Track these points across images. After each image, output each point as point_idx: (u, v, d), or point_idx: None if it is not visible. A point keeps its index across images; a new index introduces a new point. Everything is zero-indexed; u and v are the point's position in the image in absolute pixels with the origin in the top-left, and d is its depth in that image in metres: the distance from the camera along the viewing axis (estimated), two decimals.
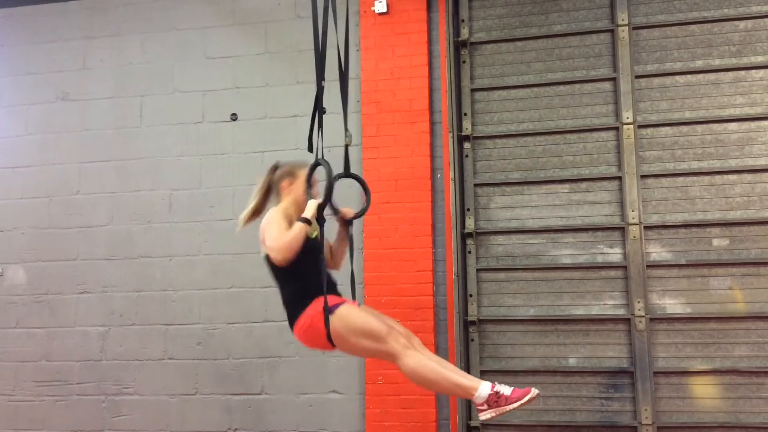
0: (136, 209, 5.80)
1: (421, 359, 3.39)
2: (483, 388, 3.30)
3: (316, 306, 3.49)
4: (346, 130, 3.70)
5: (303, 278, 3.55)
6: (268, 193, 3.79)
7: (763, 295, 4.92)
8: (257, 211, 3.77)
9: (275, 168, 3.82)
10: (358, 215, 3.82)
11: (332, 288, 3.67)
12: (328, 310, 3.42)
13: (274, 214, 3.61)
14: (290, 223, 3.55)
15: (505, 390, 3.30)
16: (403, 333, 3.52)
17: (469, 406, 5.16)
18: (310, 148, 3.65)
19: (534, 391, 3.30)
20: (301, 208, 3.68)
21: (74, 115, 5.99)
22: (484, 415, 3.31)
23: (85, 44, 6.06)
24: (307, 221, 3.50)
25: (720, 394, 4.90)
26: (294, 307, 3.58)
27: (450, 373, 3.39)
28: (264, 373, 5.47)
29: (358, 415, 5.26)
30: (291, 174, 3.76)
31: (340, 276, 3.82)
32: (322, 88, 3.59)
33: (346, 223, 3.80)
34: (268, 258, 3.61)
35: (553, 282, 5.21)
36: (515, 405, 3.28)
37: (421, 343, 3.62)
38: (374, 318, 3.51)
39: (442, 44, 5.40)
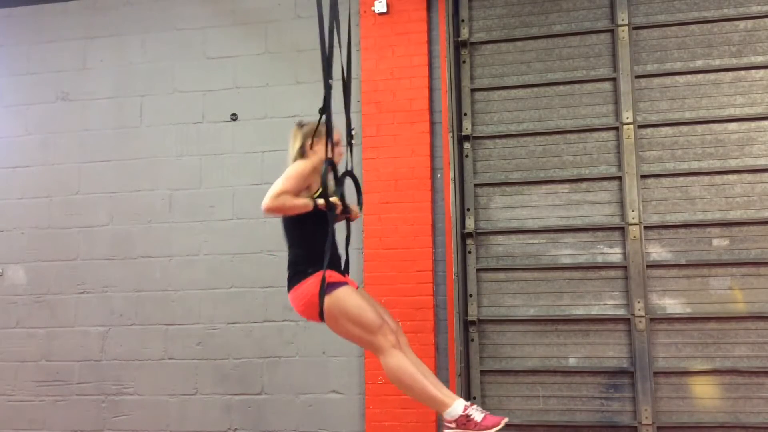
0: (136, 209, 5.80)
1: (404, 363, 3.40)
2: (456, 407, 3.33)
3: (317, 279, 3.44)
4: (352, 128, 3.73)
5: (312, 245, 3.49)
6: (303, 150, 3.73)
7: (763, 295, 4.92)
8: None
9: (301, 125, 3.79)
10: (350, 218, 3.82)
11: (338, 262, 3.64)
12: (324, 289, 3.40)
13: (301, 166, 3.56)
14: (307, 186, 3.54)
15: (477, 415, 3.31)
16: (393, 329, 3.51)
17: None
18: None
19: (504, 421, 3.32)
20: (318, 169, 3.67)
21: (74, 115, 5.99)
22: None
23: (85, 44, 6.06)
24: (314, 203, 3.47)
25: (720, 394, 4.90)
26: (295, 272, 3.54)
27: (428, 384, 3.40)
28: (264, 373, 5.47)
29: (358, 415, 5.26)
30: (317, 134, 3.71)
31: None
32: (330, 87, 3.54)
33: (348, 221, 3.79)
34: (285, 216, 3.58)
35: (553, 282, 5.20)
36: None
37: (408, 343, 3.62)
38: (370, 308, 3.49)
39: (442, 44, 5.40)
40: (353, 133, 3.77)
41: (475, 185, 5.39)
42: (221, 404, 5.50)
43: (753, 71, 5.10)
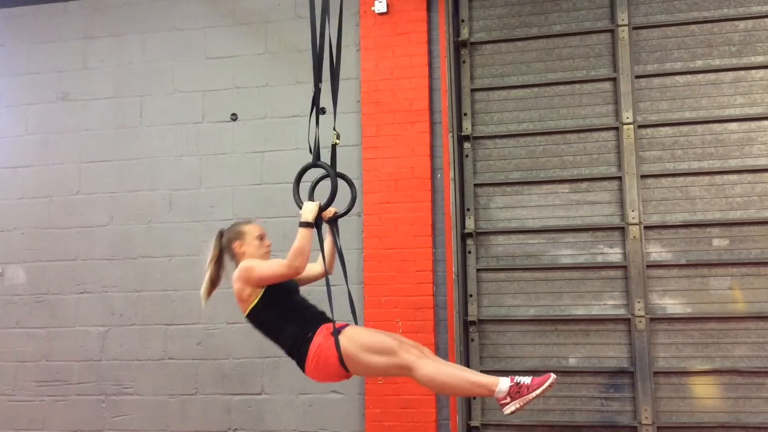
0: (136, 209, 5.80)
1: (437, 366, 3.42)
2: (503, 383, 3.35)
3: (320, 334, 3.49)
4: (334, 128, 3.74)
5: (297, 317, 3.56)
6: (221, 260, 3.77)
7: (763, 295, 4.92)
8: (215, 281, 3.76)
9: (221, 234, 3.80)
10: (340, 215, 3.80)
11: (321, 316, 3.64)
12: (336, 332, 3.44)
13: (248, 262, 3.60)
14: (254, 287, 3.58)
15: (525, 380, 3.35)
16: (412, 344, 3.53)
17: (469, 406, 5.16)
18: (312, 149, 3.66)
19: (553, 377, 3.36)
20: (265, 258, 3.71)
21: (74, 115, 5.99)
22: (509, 408, 3.34)
23: (85, 44, 6.06)
24: (309, 225, 3.50)
25: (720, 394, 4.90)
26: (300, 347, 3.53)
27: (468, 374, 3.45)
28: (264, 373, 5.47)
29: (358, 415, 5.26)
30: (239, 234, 3.74)
31: (338, 300, 3.79)
32: (320, 89, 3.59)
33: (330, 224, 3.78)
34: (251, 316, 3.61)
35: (553, 282, 5.20)
36: (537, 392, 3.32)
37: (431, 351, 3.63)
38: (382, 333, 3.54)
39: (442, 44, 5.40)
40: (335, 133, 3.77)
41: (475, 185, 5.39)
42: (221, 404, 5.50)
43: (753, 71, 5.10)
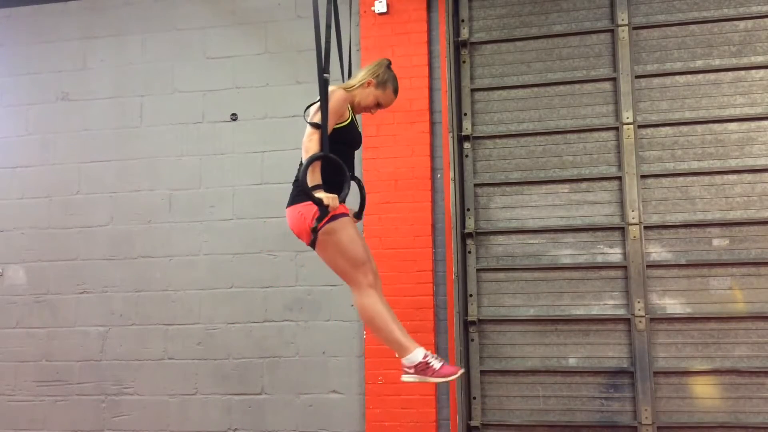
0: (136, 209, 5.80)
1: (378, 304, 3.47)
2: (416, 353, 3.40)
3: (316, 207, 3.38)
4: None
5: (326, 171, 3.38)
6: (363, 80, 3.65)
7: (763, 295, 4.92)
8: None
9: (389, 65, 3.71)
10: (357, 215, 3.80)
11: (341, 191, 3.51)
12: (322, 219, 3.35)
13: (338, 99, 3.47)
14: (341, 114, 3.50)
15: (435, 363, 3.39)
16: (373, 271, 3.56)
17: (469, 406, 5.16)
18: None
19: (460, 372, 3.45)
20: (356, 110, 3.67)
21: (74, 115, 5.99)
22: (407, 378, 3.44)
23: (85, 44, 6.06)
24: (318, 187, 3.33)
25: (720, 394, 4.90)
26: (301, 191, 3.40)
27: (395, 327, 3.46)
28: (264, 373, 5.47)
29: (358, 415, 5.26)
30: (383, 83, 3.66)
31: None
32: (327, 81, 3.37)
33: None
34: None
35: (553, 282, 5.21)
36: (439, 380, 3.40)
37: (381, 289, 3.63)
38: (360, 244, 3.52)
39: (442, 44, 5.40)
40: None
41: (475, 185, 5.39)
42: (221, 404, 5.50)
43: (753, 71, 5.10)
